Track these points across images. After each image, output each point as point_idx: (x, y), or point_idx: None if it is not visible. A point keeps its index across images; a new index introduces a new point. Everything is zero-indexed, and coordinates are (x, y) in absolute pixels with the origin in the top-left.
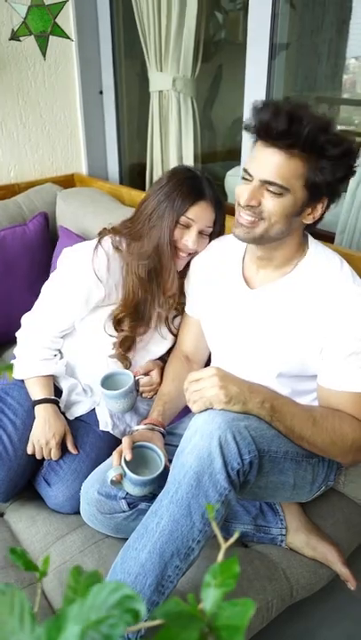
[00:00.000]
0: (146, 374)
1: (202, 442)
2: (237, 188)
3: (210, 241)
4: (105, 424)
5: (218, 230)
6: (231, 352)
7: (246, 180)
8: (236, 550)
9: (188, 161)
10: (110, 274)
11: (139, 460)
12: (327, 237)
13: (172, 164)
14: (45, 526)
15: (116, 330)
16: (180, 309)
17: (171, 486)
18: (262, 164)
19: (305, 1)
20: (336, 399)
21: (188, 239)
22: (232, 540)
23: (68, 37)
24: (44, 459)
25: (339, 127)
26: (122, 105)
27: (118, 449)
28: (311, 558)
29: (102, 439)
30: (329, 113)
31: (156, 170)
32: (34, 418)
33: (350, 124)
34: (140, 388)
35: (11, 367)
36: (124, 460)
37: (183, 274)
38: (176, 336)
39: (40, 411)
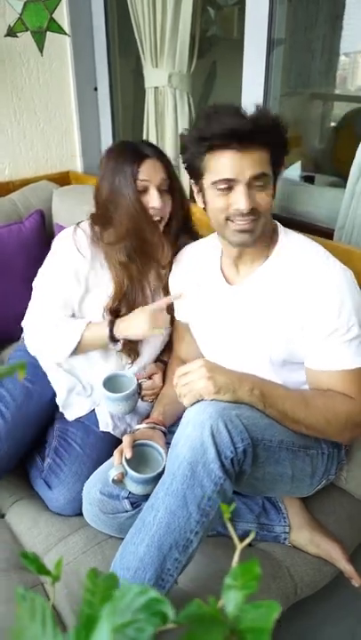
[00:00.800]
0: (149, 378)
1: (194, 432)
2: (222, 200)
3: (174, 199)
4: (105, 425)
5: (177, 186)
6: (221, 349)
7: (226, 190)
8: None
9: None
10: (93, 252)
11: (140, 459)
12: (327, 234)
13: None
14: (47, 527)
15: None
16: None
17: (166, 478)
18: (244, 164)
19: None
20: (324, 379)
21: (151, 200)
22: (248, 540)
23: (65, 33)
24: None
25: (332, 124)
26: (117, 102)
27: (119, 448)
28: (315, 555)
29: (103, 440)
30: (323, 109)
31: None
32: (24, 414)
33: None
34: (142, 392)
35: (23, 366)
36: (125, 458)
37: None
38: None
39: (119, 327)
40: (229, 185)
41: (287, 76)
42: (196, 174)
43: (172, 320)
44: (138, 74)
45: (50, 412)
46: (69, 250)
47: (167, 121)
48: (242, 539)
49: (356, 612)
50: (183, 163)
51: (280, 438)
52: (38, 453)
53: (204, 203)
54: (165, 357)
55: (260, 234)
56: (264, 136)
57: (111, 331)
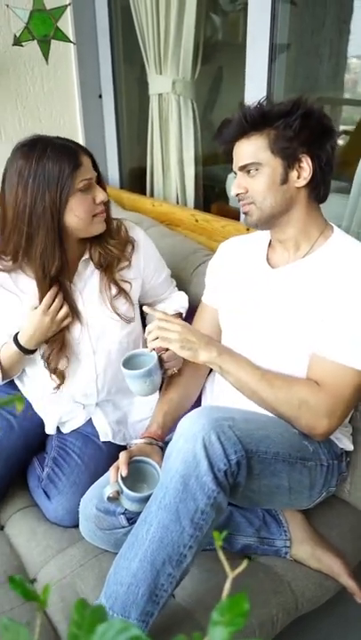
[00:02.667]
0: (167, 349)
1: (186, 445)
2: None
3: (100, 182)
4: (105, 435)
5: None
6: (252, 334)
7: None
8: (237, 564)
9: (189, 164)
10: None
11: (137, 475)
12: None
13: (173, 167)
14: (45, 539)
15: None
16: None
17: (159, 492)
18: (235, 157)
19: (306, 0)
20: (319, 367)
21: (97, 195)
22: (240, 569)
23: (70, 41)
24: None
25: (341, 127)
26: (121, 109)
27: (115, 465)
28: (317, 570)
29: (101, 450)
30: (331, 113)
31: (157, 173)
32: (5, 447)
33: (353, 124)
34: (166, 364)
35: (20, 398)
36: (121, 476)
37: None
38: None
39: (22, 334)
40: (235, 173)
41: (293, 80)
42: None
43: (142, 315)
44: (142, 81)
45: (37, 438)
46: None
47: (171, 127)
48: (241, 554)
49: None
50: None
51: (276, 450)
52: (39, 463)
53: None
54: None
55: (260, 219)
56: (249, 122)
57: (16, 340)
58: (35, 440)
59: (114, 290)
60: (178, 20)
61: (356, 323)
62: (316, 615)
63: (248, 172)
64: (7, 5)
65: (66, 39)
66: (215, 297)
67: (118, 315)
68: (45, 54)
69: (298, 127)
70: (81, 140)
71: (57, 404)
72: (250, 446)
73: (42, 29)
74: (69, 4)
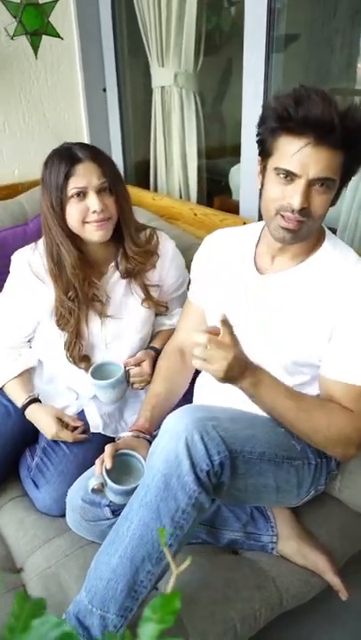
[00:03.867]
0: (137, 365)
1: (169, 444)
2: (279, 189)
3: (118, 197)
4: (96, 426)
5: (116, 182)
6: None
7: (287, 180)
8: (223, 559)
9: (192, 157)
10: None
11: (123, 468)
12: None
13: (176, 160)
14: (33, 529)
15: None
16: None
17: (141, 490)
18: (312, 162)
19: None
20: (335, 390)
21: (90, 204)
22: (184, 566)
23: (59, 37)
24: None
25: None
26: (125, 102)
27: (101, 457)
28: (302, 566)
29: (90, 440)
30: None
31: (160, 167)
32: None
33: None
34: (131, 379)
35: None
36: (105, 468)
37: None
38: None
39: (29, 415)
40: (290, 177)
41: (305, 71)
42: (265, 152)
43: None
44: (146, 74)
45: (33, 426)
46: (28, 277)
47: (174, 120)
48: (227, 548)
49: (348, 624)
50: (257, 135)
51: (261, 450)
52: (30, 453)
53: (262, 184)
54: (157, 344)
55: (304, 236)
56: (345, 137)
57: (24, 408)
58: (30, 427)
59: (139, 296)
60: (179, 12)
61: None
62: (302, 611)
63: (322, 185)
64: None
65: (55, 34)
66: (201, 296)
67: (138, 320)
68: (35, 48)
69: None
70: (85, 135)
71: (55, 393)
72: (234, 446)
73: (34, 23)
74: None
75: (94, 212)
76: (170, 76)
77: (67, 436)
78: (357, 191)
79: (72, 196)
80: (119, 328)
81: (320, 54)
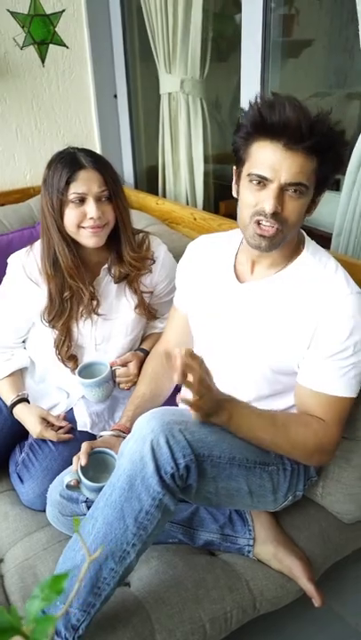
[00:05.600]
0: (123, 365)
1: (135, 445)
2: (252, 195)
3: (117, 204)
4: (83, 424)
5: (116, 190)
6: (217, 347)
7: (260, 186)
8: (197, 559)
9: (198, 162)
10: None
11: (102, 466)
12: (325, 238)
13: (183, 166)
14: (16, 522)
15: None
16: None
17: (107, 489)
18: (284, 166)
19: None
20: (310, 399)
21: (89, 210)
22: (95, 555)
23: (66, 46)
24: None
25: None
26: (136, 109)
27: (78, 454)
28: (278, 571)
29: (77, 439)
30: None
31: (168, 173)
32: None
33: None
34: (117, 379)
35: None
36: (81, 465)
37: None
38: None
39: (16, 414)
40: (263, 182)
41: (322, 75)
42: (239, 160)
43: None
44: (156, 81)
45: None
46: (23, 284)
47: (181, 126)
48: (203, 549)
49: (329, 629)
50: (232, 144)
51: (231, 455)
52: (19, 449)
53: (238, 193)
54: (146, 346)
55: (279, 243)
56: (317, 142)
57: (12, 407)
58: (20, 424)
59: (132, 301)
60: (185, 19)
61: (344, 352)
62: (281, 616)
63: (295, 191)
64: (8, 10)
65: (62, 43)
66: (184, 302)
67: (128, 322)
68: (42, 57)
69: (340, 161)
70: (96, 140)
71: (46, 392)
72: (202, 450)
73: (41, 33)
74: (64, 10)
75: (91, 218)
76: (176, 82)
77: (51, 435)
78: (352, 196)
79: (72, 201)
80: (109, 330)
81: (339, 59)
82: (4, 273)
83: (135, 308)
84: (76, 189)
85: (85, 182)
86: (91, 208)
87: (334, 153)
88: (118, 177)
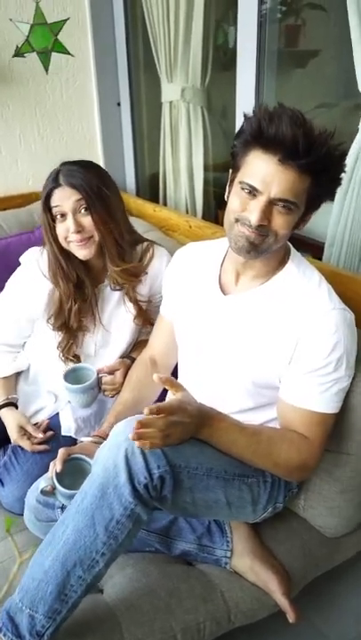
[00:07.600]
0: (110, 373)
1: (109, 453)
2: (240, 201)
3: (99, 215)
4: (68, 429)
5: (95, 204)
6: (200, 358)
7: (250, 195)
8: (173, 569)
9: (198, 170)
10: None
11: (78, 473)
12: (316, 247)
13: (183, 174)
14: None
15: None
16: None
17: (79, 496)
18: (275, 181)
19: (339, 3)
20: (291, 414)
21: (68, 225)
22: (26, 555)
23: (69, 53)
24: None
25: None
26: (139, 117)
27: (55, 460)
28: (253, 583)
29: (60, 444)
30: None
31: (169, 181)
32: None
33: None
34: (103, 386)
35: None
36: (56, 471)
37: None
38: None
39: (2, 416)
40: (253, 193)
41: (334, 86)
42: (235, 165)
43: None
44: (159, 89)
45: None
46: (34, 271)
47: (181, 134)
48: (179, 559)
49: None
50: (231, 148)
51: (209, 466)
52: (3, 452)
53: (228, 197)
54: (135, 354)
55: (264, 251)
56: (312, 162)
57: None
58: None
59: (130, 310)
60: (186, 28)
61: (326, 368)
62: (262, 632)
63: (283, 207)
64: (10, 19)
65: (64, 51)
66: (170, 309)
67: (127, 329)
68: (45, 65)
69: (335, 184)
70: (99, 148)
71: (36, 394)
72: (177, 461)
73: (42, 42)
74: (67, 18)
75: (73, 232)
76: (177, 90)
77: (26, 445)
78: (344, 206)
79: (56, 216)
80: (108, 336)
81: (314, 72)
82: (2, 275)
83: (134, 318)
84: (55, 202)
85: (60, 199)
86: (69, 222)
87: (329, 176)
88: (103, 190)
